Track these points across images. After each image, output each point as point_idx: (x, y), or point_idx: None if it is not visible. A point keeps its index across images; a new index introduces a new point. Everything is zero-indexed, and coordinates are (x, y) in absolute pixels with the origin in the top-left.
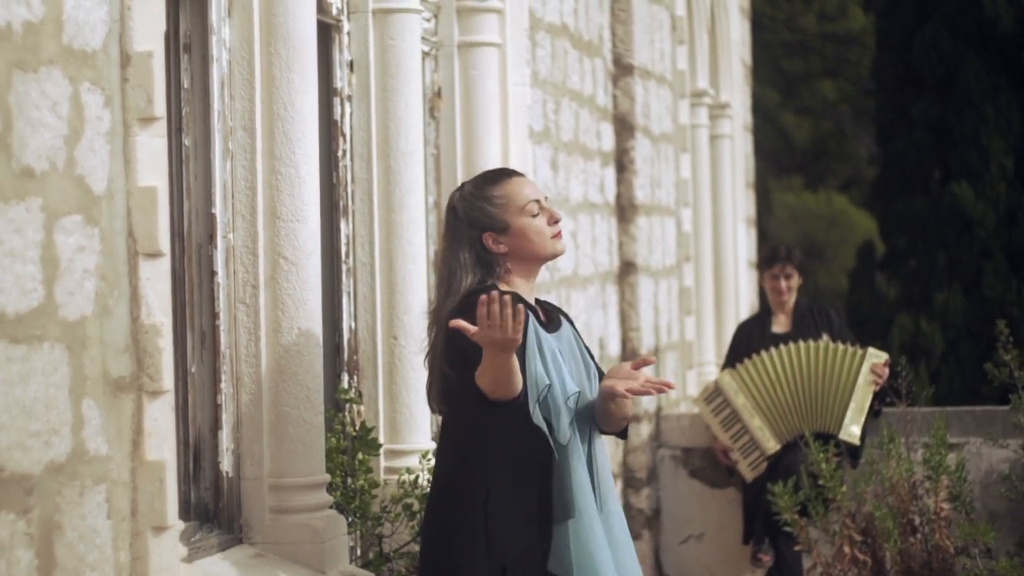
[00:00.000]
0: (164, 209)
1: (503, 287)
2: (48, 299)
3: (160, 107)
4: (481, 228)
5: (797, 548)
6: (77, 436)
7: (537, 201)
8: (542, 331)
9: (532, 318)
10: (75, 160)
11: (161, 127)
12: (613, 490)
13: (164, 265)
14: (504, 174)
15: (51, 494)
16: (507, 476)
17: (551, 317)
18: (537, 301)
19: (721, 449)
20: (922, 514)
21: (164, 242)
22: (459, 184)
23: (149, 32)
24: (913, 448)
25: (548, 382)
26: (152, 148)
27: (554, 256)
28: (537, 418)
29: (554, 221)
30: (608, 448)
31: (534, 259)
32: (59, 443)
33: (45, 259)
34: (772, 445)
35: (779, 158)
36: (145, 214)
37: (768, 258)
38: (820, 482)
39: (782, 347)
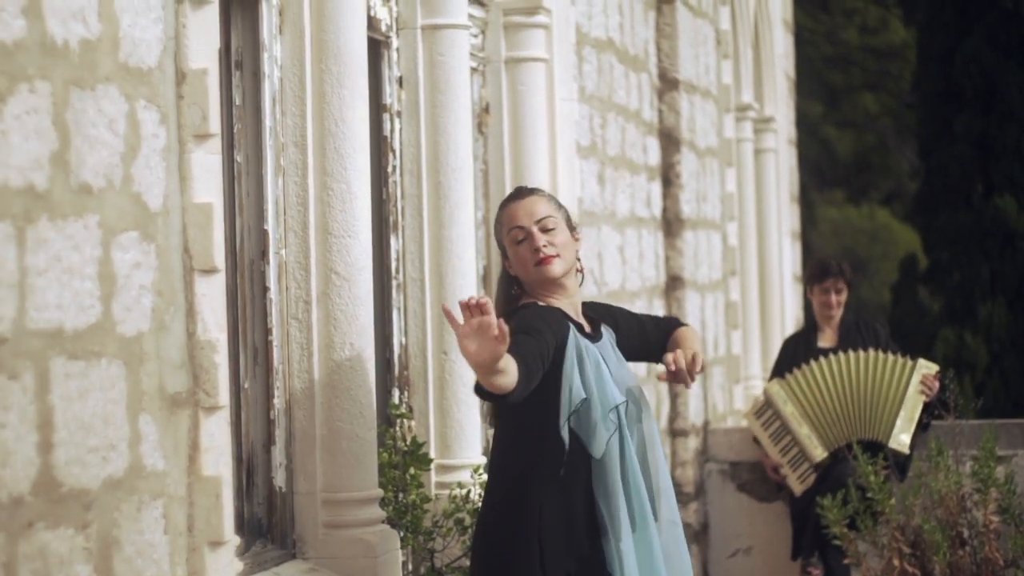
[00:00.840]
0: (219, 225)
1: (542, 303)
2: (105, 315)
3: (215, 124)
4: (501, 249)
5: (846, 561)
6: (134, 451)
7: (521, 227)
8: (585, 341)
9: (573, 329)
10: (132, 177)
11: (216, 144)
12: (671, 499)
13: (219, 281)
14: (512, 196)
15: (109, 509)
16: (557, 489)
17: (596, 327)
18: (587, 307)
19: (771, 466)
20: (971, 527)
21: (219, 258)
22: None
23: (203, 50)
24: (961, 461)
25: (584, 396)
26: (207, 165)
27: (543, 282)
28: (564, 432)
29: (534, 250)
30: None
31: (529, 282)
32: (117, 458)
33: (102, 275)
34: (820, 453)
35: (822, 171)
36: (201, 230)
37: (819, 273)
38: (869, 495)
39: (831, 357)
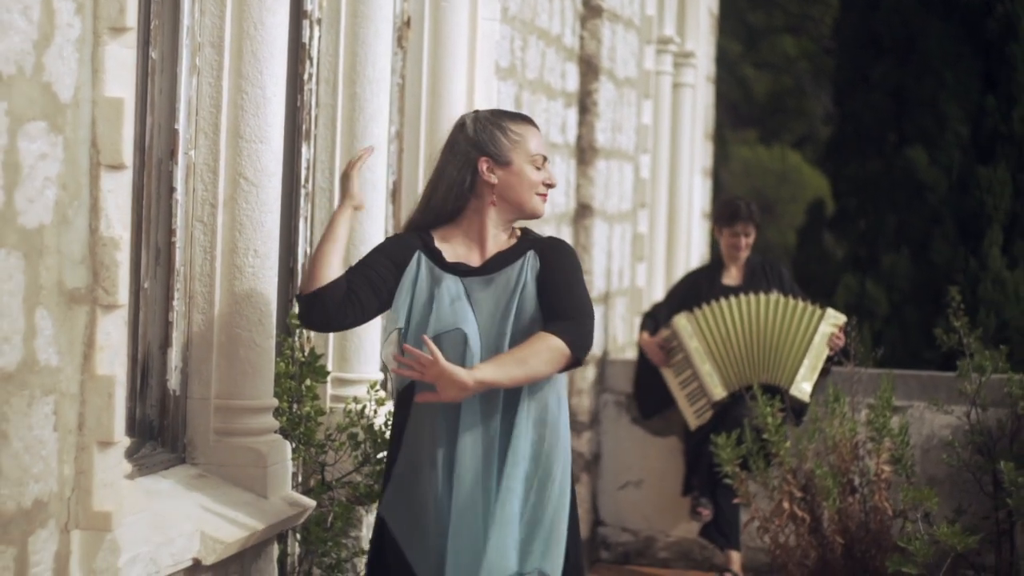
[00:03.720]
0: (130, 121)
1: (439, 241)
2: (7, 205)
3: (132, 18)
4: (482, 151)
5: (736, 501)
6: (28, 345)
7: (544, 157)
8: (441, 273)
9: (419, 259)
10: (43, 66)
11: (131, 38)
12: (509, 462)
13: (126, 178)
14: (526, 118)
15: None
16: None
17: (504, 263)
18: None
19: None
20: (863, 475)
21: (128, 155)
22: (466, 115)
23: None
24: (857, 409)
25: (400, 326)
26: (121, 59)
27: (532, 214)
28: (384, 354)
29: (549, 184)
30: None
31: (514, 205)
32: (10, 351)
33: (7, 164)
34: (719, 392)
35: (737, 110)
36: (110, 125)
37: (729, 216)
38: (764, 437)
39: (742, 297)
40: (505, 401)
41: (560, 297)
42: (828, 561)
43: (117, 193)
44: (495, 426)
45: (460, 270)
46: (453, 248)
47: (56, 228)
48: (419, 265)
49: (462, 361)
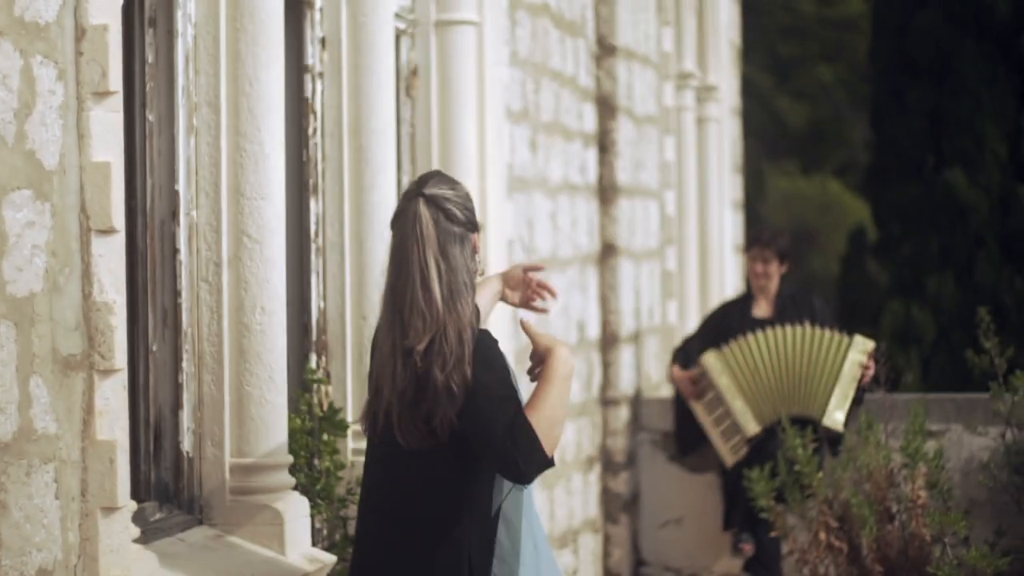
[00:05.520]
0: (119, 185)
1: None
2: None
3: (115, 81)
4: (475, 230)
5: (773, 534)
6: (24, 414)
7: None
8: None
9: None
10: (25, 134)
11: (116, 102)
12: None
13: (118, 242)
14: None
15: None
16: (484, 525)
17: None
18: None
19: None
20: (899, 502)
21: (118, 218)
22: (431, 181)
23: (105, 5)
24: (894, 435)
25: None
26: (107, 123)
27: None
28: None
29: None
30: (585, 433)
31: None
32: (4, 421)
33: None
34: (753, 427)
35: (773, 142)
36: (98, 190)
37: (748, 242)
38: (796, 468)
39: (768, 330)
40: None
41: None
42: None
43: (109, 257)
44: None
45: None
46: None
47: (47, 295)
48: None
49: None
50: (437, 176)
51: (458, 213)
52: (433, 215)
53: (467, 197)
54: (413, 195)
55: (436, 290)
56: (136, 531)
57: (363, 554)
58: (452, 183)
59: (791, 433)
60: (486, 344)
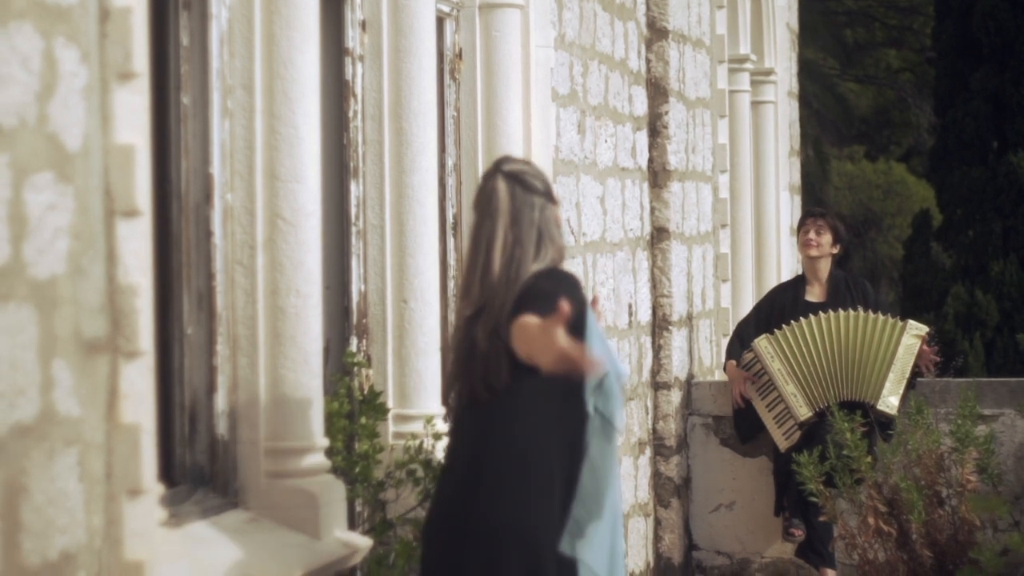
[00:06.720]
0: (144, 167)
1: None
2: (15, 258)
3: (140, 63)
4: (553, 201)
5: (822, 519)
6: (46, 397)
7: None
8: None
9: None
10: (47, 116)
11: (142, 83)
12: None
13: (143, 224)
14: None
15: (17, 456)
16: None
17: None
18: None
19: (739, 393)
20: (949, 486)
21: (142, 200)
22: (498, 158)
23: None
24: (946, 419)
25: (607, 370)
26: (131, 105)
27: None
28: (589, 405)
29: None
30: (636, 416)
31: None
32: (26, 404)
33: (12, 217)
34: (805, 412)
35: (838, 127)
36: (123, 172)
37: (801, 219)
38: (845, 452)
39: (821, 315)
40: None
41: None
42: (918, 575)
43: (134, 240)
44: None
45: None
46: None
47: (71, 278)
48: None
49: None
50: (510, 157)
51: (536, 183)
52: (510, 188)
53: (543, 171)
54: (492, 173)
55: (496, 261)
56: (163, 514)
57: (448, 495)
58: (526, 161)
59: (839, 417)
60: (537, 282)
